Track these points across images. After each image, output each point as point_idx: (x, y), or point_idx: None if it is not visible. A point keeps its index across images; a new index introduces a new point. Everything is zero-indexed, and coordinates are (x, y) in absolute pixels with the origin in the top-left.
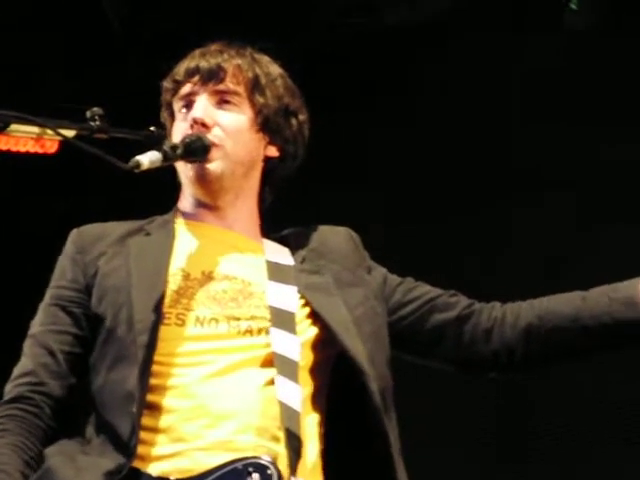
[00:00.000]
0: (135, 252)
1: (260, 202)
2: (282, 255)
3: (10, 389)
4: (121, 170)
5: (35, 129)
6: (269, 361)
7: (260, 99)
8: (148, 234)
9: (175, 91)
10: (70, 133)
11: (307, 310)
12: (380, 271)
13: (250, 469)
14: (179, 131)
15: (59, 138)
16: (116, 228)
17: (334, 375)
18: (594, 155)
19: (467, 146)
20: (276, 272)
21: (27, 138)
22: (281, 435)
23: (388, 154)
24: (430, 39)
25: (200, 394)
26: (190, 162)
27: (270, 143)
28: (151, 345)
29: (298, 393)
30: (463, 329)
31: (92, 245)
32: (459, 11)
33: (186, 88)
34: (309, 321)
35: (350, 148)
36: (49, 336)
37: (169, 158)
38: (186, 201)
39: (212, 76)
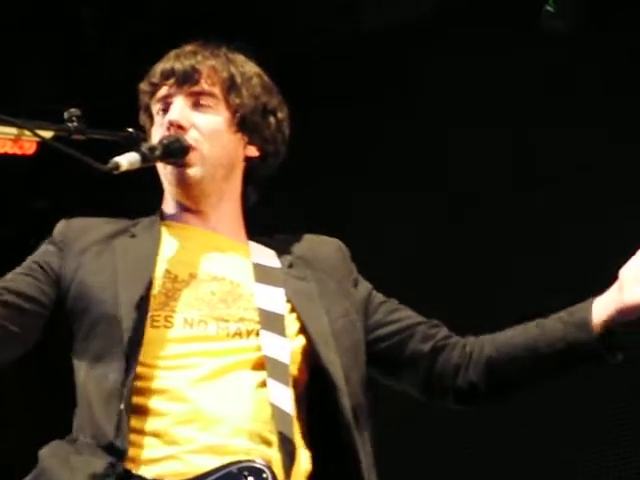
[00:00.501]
0: (121, 252)
1: (244, 203)
2: (269, 257)
3: None
4: (100, 171)
5: (13, 130)
6: (260, 364)
7: (236, 99)
8: (133, 236)
9: (152, 94)
10: (48, 134)
11: (294, 316)
12: (366, 286)
13: (245, 473)
14: (157, 134)
15: (37, 139)
16: (102, 226)
17: (310, 387)
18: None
19: (455, 146)
20: (263, 274)
21: (5, 139)
22: (273, 439)
23: (368, 157)
24: (413, 41)
25: (193, 398)
26: (169, 163)
27: (249, 143)
28: (137, 343)
29: (290, 396)
30: (435, 362)
31: (77, 239)
32: (441, 13)
33: (162, 91)
34: (296, 327)
35: (328, 149)
36: (1, 287)
37: (147, 159)
38: (169, 204)
39: (187, 78)
